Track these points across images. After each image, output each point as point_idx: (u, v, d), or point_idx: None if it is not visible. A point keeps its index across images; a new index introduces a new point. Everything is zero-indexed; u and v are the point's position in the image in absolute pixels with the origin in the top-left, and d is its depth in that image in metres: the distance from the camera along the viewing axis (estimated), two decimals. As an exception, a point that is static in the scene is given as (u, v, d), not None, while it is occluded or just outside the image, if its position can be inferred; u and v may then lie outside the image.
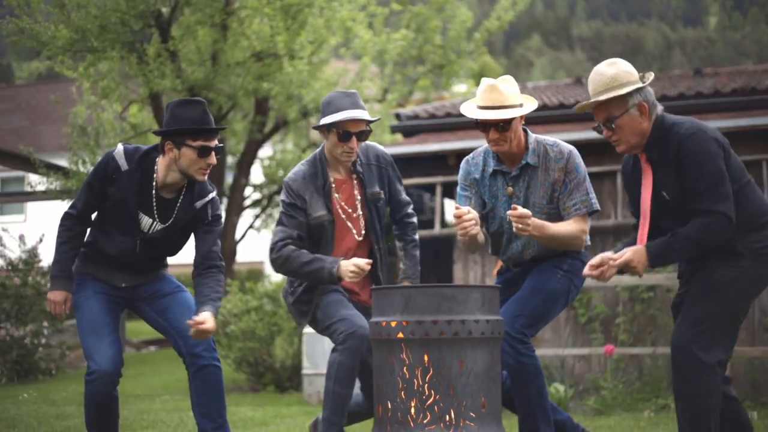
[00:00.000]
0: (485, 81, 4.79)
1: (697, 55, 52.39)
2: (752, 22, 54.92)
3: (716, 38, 56.04)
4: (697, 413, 4.24)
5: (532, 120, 10.72)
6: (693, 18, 60.86)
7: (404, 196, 5.23)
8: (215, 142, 4.70)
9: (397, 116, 13.35)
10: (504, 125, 4.72)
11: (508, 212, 4.60)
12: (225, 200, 15.74)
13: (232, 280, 12.68)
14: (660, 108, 4.42)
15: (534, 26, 59.14)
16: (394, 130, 13.90)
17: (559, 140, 4.92)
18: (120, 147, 4.77)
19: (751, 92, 11.53)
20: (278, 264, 4.94)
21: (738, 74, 13.73)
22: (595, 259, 4.36)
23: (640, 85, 4.37)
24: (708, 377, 4.22)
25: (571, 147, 4.89)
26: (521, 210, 4.55)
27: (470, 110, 4.79)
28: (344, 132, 4.87)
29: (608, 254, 4.36)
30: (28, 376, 12.26)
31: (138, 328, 19.28)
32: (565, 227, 4.75)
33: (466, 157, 5.03)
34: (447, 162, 10.97)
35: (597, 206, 4.84)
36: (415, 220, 5.27)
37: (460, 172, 5.01)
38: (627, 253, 4.31)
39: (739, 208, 4.29)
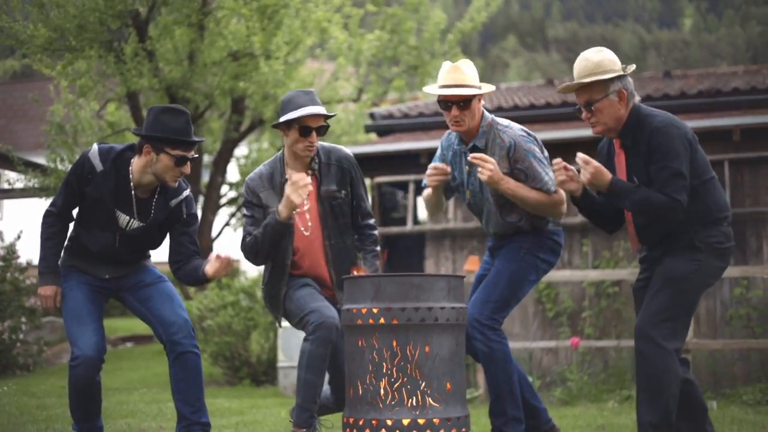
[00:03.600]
0: (447, 63, 5.04)
1: (672, 56, 52.66)
2: (727, 24, 55.27)
3: (691, 40, 56.38)
4: (658, 395, 4.54)
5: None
6: (668, 20, 61.16)
7: (366, 205, 5.33)
8: (192, 153, 4.91)
9: (372, 116, 13.54)
10: (465, 104, 4.95)
11: (469, 157, 4.88)
12: (201, 198, 15.89)
13: (208, 276, 12.81)
14: (637, 98, 4.73)
15: (509, 27, 59.28)
16: (368, 129, 14.10)
17: (512, 127, 5.04)
18: (95, 147, 4.94)
19: (716, 94, 11.76)
20: (250, 257, 5.19)
21: (707, 76, 13.92)
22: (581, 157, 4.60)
23: (622, 73, 4.66)
24: (669, 361, 4.53)
25: (516, 136, 4.98)
26: (480, 155, 4.82)
27: (433, 90, 5.01)
28: (304, 127, 5.04)
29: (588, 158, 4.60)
30: (6, 372, 12.37)
31: (114, 325, 19.35)
32: (540, 194, 4.93)
33: (447, 132, 5.24)
34: (420, 160, 11.15)
35: (555, 184, 4.96)
36: (376, 233, 5.37)
37: (441, 142, 5.25)
38: (601, 167, 4.56)
39: (699, 202, 4.59)
